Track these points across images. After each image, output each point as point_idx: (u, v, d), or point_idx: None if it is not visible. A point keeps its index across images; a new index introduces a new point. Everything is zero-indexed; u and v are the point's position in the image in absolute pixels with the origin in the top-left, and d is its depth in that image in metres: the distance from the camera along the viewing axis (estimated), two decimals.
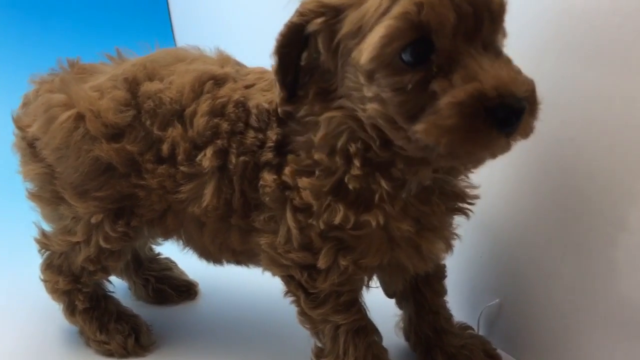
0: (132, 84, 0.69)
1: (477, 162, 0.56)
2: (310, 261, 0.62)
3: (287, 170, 0.60)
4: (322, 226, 0.59)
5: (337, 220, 0.58)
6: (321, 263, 0.61)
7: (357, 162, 0.56)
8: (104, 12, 2.06)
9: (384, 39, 0.48)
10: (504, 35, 0.53)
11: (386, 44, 0.48)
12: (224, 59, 0.72)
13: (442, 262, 0.75)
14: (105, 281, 0.84)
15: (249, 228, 0.66)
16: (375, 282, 0.73)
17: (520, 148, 0.71)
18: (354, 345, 0.66)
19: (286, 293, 0.68)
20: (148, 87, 0.69)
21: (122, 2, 2.11)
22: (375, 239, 0.60)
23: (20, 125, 0.75)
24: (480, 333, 0.80)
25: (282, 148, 0.62)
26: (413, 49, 0.48)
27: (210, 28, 1.77)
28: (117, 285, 0.90)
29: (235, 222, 0.66)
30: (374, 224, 0.58)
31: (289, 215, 0.61)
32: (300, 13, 0.54)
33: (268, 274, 0.70)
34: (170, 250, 0.97)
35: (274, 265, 0.65)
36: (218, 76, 0.67)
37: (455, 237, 0.67)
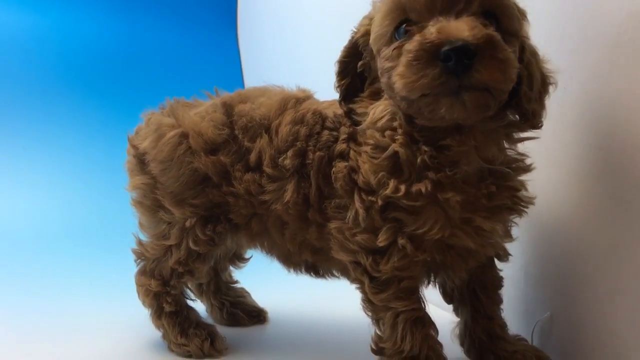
0: (228, 108, 0.84)
1: (443, 111, 0.59)
2: (374, 244, 0.69)
3: (351, 154, 0.71)
4: (380, 202, 0.68)
5: (389, 191, 0.66)
6: (381, 240, 0.68)
7: (399, 131, 0.67)
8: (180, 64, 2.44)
9: (380, 20, 0.64)
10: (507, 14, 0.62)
11: (381, 23, 0.64)
12: (304, 90, 0.86)
13: (499, 273, 0.81)
14: (187, 289, 0.95)
15: (324, 221, 0.75)
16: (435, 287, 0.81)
17: (569, 156, 0.77)
18: (412, 334, 0.71)
19: (353, 280, 0.75)
20: (241, 107, 0.83)
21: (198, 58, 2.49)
22: (431, 212, 0.67)
23: (134, 144, 0.89)
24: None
25: (352, 140, 0.72)
26: (404, 29, 0.62)
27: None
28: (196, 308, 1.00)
29: (312, 216, 0.76)
30: (423, 190, 0.65)
31: (356, 197, 0.70)
32: (355, 29, 0.71)
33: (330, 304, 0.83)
34: (245, 281, 1.10)
35: (343, 250, 0.73)
36: (300, 97, 0.81)
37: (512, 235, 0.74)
